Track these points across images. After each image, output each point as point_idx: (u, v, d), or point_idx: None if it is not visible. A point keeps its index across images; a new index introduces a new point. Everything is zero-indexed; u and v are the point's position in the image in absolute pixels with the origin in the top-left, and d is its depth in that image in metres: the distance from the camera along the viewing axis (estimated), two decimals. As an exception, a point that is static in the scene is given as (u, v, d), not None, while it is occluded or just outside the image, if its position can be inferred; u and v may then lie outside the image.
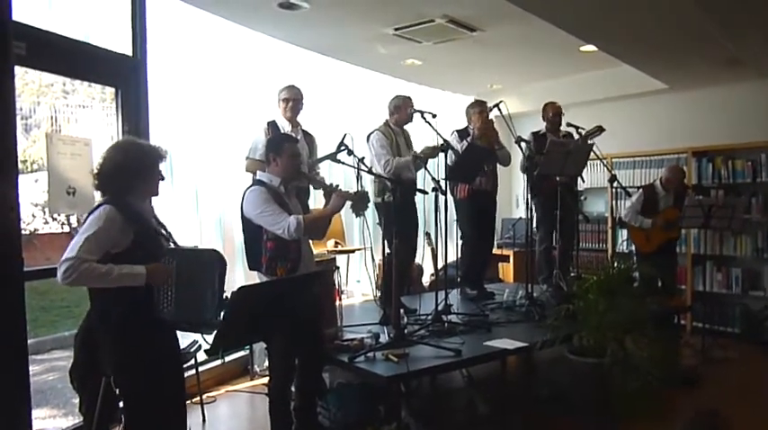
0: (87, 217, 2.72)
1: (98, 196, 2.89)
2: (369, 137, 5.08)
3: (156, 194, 2.95)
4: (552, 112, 6.00)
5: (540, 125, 6.11)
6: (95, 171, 2.81)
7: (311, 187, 4.69)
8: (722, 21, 4.67)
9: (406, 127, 5.27)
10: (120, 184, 2.77)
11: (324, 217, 3.79)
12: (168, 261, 2.74)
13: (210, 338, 2.78)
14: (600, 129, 5.67)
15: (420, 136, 5.49)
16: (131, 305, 2.66)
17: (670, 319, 5.88)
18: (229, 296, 2.79)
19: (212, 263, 2.79)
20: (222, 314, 2.70)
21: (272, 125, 4.68)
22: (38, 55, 3.44)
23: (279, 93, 4.79)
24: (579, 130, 5.82)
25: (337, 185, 3.86)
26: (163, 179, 2.94)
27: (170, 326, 2.87)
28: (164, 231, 2.93)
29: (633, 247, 6.58)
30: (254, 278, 3.78)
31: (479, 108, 5.55)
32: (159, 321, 2.75)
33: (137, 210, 2.79)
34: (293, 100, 4.74)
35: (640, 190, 6.29)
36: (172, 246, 2.91)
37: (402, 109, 5.13)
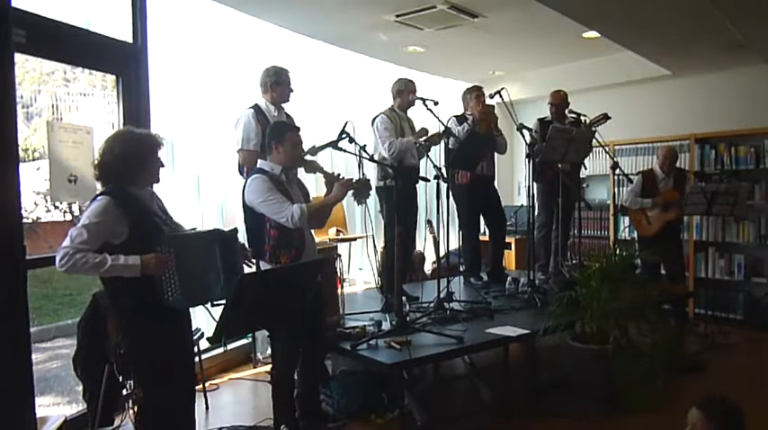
0: (88, 206, 2.77)
1: (99, 185, 2.91)
2: (374, 120, 5.09)
3: (158, 181, 2.98)
4: (553, 101, 5.98)
5: (544, 111, 6.09)
6: (95, 162, 2.85)
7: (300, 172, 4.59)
8: (726, 5, 4.63)
9: (410, 114, 5.26)
10: (120, 174, 2.80)
11: (327, 206, 3.78)
12: (166, 250, 2.75)
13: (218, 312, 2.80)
14: (605, 117, 5.65)
15: (421, 123, 5.48)
16: (143, 290, 2.71)
17: (680, 306, 5.89)
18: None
19: (212, 244, 2.81)
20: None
21: (257, 110, 4.36)
22: (38, 42, 3.42)
23: (268, 76, 4.39)
24: (581, 117, 5.81)
25: (339, 174, 3.85)
26: (163, 166, 2.97)
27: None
28: (162, 218, 2.94)
29: (635, 234, 6.57)
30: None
31: (476, 92, 5.55)
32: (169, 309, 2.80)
33: (135, 199, 2.82)
34: (287, 84, 4.44)
35: (639, 175, 6.28)
36: (175, 232, 2.92)
37: (404, 93, 5.13)
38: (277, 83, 4.37)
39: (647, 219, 6.11)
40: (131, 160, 2.80)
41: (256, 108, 4.35)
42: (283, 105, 4.48)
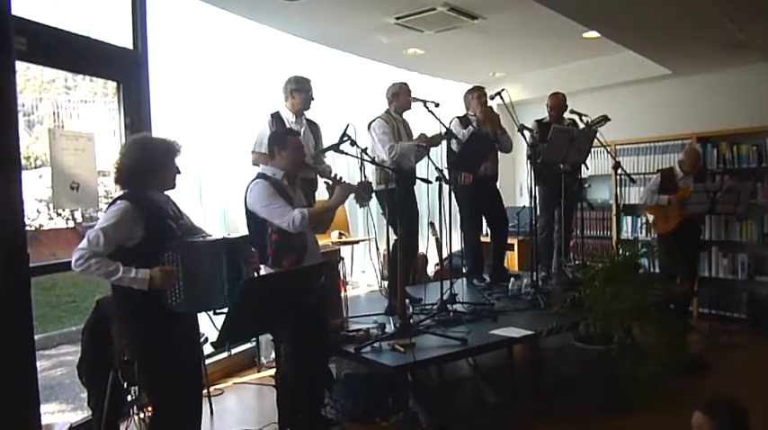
0: (106, 209, 2.85)
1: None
2: (370, 125, 5.08)
3: (173, 187, 3.04)
4: (551, 105, 5.97)
5: (545, 112, 6.09)
6: (114, 167, 2.92)
7: (319, 178, 4.70)
8: (726, 3, 4.63)
9: (405, 117, 5.26)
10: (138, 180, 2.87)
11: (328, 209, 3.79)
12: (173, 256, 2.78)
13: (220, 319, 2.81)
14: (605, 119, 5.65)
15: (421, 125, 5.48)
16: (150, 298, 2.74)
17: (683, 305, 5.88)
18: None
19: (219, 252, 2.83)
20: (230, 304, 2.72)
21: (276, 117, 4.66)
22: (39, 50, 3.43)
23: (290, 83, 4.70)
24: (583, 118, 5.80)
25: (341, 177, 3.86)
26: (179, 173, 3.03)
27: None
28: (176, 223, 2.96)
29: (640, 235, 6.55)
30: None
31: (477, 93, 5.57)
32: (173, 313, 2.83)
33: (152, 203, 2.88)
34: (307, 92, 4.71)
35: (659, 172, 6.28)
36: (183, 239, 2.94)
37: (400, 95, 5.15)
38: (297, 90, 4.67)
39: (665, 216, 6.09)
40: (150, 165, 2.88)
41: (275, 115, 4.67)
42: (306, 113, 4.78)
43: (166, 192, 3.04)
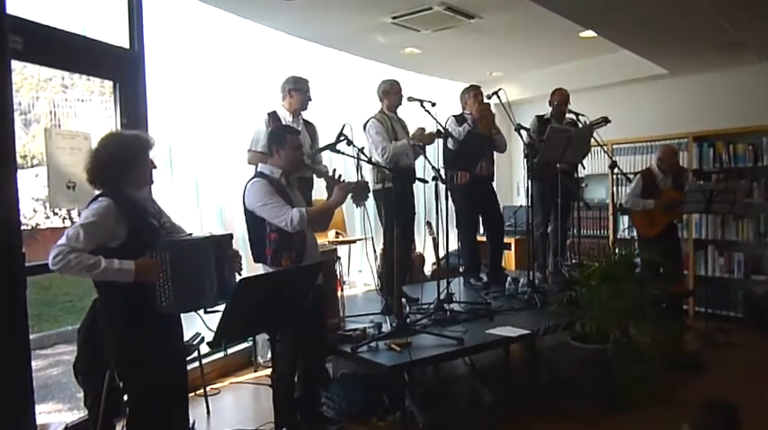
0: (86, 207, 2.75)
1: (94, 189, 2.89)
2: (365, 125, 5.07)
3: (151, 183, 2.97)
4: (558, 100, 5.97)
5: (542, 111, 6.09)
6: (88, 165, 2.82)
7: (314, 178, 4.70)
8: (723, 4, 4.64)
9: (401, 115, 5.26)
10: (112, 176, 2.78)
11: (327, 209, 3.78)
12: (160, 254, 2.71)
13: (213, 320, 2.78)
14: (605, 121, 5.64)
15: (419, 124, 5.47)
16: (135, 297, 2.68)
17: (676, 305, 5.88)
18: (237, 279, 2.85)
19: (208, 250, 2.79)
20: (225, 301, 2.68)
21: (273, 116, 4.66)
22: (35, 49, 3.42)
23: (288, 83, 4.71)
24: (580, 117, 5.80)
25: (340, 176, 3.85)
26: (155, 167, 2.94)
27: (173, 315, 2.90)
28: (159, 222, 2.92)
29: (635, 233, 6.56)
30: (258, 270, 3.77)
31: (474, 91, 5.57)
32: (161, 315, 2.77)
33: (133, 201, 2.80)
34: (305, 93, 4.72)
35: (638, 175, 6.26)
36: (170, 237, 2.90)
37: (390, 93, 5.13)
38: (295, 89, 4.69)
39: (649, 221, 6.08)
40: (122, 161, 2.78)
41: (272, 114, 4.67)
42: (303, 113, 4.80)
43: (152, 191, 3.00)
